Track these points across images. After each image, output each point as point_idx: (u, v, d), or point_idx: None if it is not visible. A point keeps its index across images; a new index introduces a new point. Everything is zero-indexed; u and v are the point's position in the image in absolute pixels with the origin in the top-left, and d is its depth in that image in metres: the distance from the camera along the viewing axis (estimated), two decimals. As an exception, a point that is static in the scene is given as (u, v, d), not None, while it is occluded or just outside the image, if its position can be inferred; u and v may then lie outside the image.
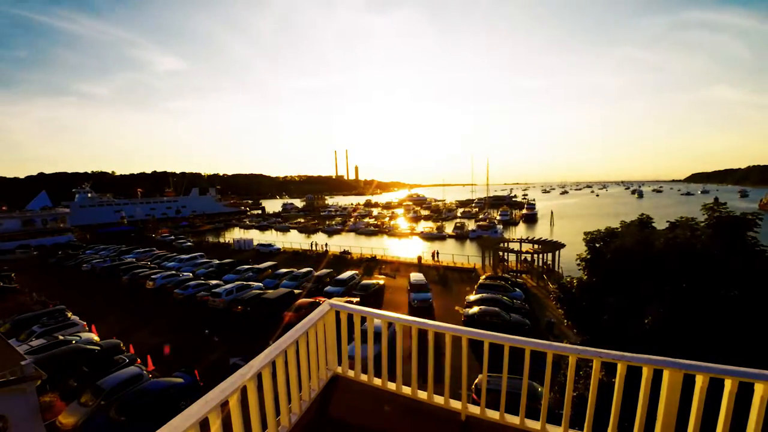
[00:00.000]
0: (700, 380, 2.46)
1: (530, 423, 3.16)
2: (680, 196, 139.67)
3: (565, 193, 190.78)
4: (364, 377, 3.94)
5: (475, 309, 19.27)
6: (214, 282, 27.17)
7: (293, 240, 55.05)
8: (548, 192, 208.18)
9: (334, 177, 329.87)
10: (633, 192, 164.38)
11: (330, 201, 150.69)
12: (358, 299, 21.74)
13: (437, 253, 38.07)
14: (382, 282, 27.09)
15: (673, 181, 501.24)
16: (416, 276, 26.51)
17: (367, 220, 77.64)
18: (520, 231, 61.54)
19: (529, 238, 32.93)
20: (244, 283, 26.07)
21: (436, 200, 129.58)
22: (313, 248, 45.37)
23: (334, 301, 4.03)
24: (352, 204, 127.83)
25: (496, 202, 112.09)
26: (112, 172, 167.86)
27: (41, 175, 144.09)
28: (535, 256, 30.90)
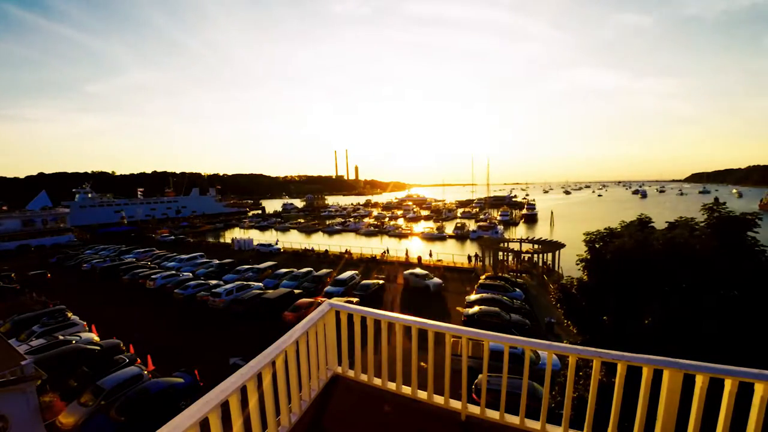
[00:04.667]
0: (700, 380, 2.46)
1: (530, 423, 3.16)
2: (676, 196, 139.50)
3: (568, 193, 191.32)
4: (364, 377, 3.94)
5: (475, 309, 19.27)
6: (214, 282, 27.20)
7: (293, 240, 55.03)
8: (548, 192, 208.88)
9: (334, 177, 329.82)
10: (635, 192, 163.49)
11: (330, 201, 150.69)
12: (357, 299, 21.77)
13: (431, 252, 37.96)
14: (381, 282, 27.10)
15: (673, 181, 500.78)
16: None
17: (366, 220, 77.83)
18: (520, 231, 61.52)
19: (529, 238, 32.93)
20: (244, 283, 26.09)
21: (436, 200, 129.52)
22: (314, 250, 45.25)
23: (334, 301, 4.04)
24: (352, 204, 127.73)
25: (496, 202, 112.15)
26: (112, 172, 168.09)
27: (41, 175, 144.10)
28: (535, 256, 30.89)
